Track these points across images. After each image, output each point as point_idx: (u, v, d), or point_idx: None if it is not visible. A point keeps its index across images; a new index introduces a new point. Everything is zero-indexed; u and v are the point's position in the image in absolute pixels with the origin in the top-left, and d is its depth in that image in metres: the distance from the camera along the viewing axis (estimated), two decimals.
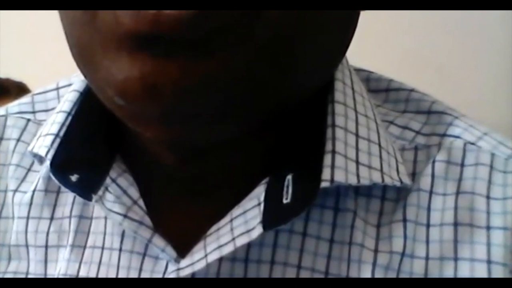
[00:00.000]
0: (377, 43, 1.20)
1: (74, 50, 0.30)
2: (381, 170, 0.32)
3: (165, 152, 0.33)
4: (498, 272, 0.30)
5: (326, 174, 0.30)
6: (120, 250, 0.34)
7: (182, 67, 0.26)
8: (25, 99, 0.41)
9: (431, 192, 0.33)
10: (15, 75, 1.43)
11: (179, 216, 0.34)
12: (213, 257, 0.31)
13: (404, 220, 0.32)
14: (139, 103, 0.27)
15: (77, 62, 0.30)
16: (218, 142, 0.31)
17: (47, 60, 1.60)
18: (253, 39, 0.27)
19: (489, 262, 0.31)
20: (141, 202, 0.34)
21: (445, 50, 1.34)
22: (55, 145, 0.34)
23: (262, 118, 0.30)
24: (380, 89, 0.37)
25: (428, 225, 0.32)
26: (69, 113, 0.35)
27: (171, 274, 0.32)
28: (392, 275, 0.31)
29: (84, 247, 0.34)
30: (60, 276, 0.34)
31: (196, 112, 0.28)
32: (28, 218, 0.36)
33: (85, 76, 0.31)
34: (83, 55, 0.29)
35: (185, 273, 0.31)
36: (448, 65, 1.34)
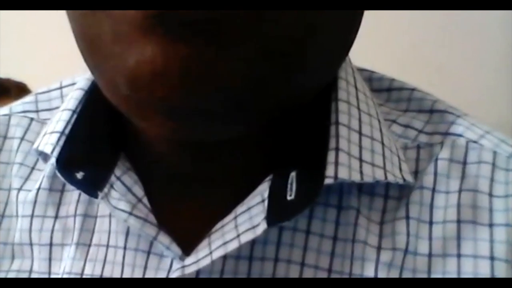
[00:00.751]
0: (377, 43, 1.21)
1: (83, 42, 0.30)
2: (384, 168, 0.32)
3: (167, 150, 0.33)
4: (501, 269, 0.30)
5: (329, 171, 0.30)
6: (125, 248, 0.34)
7: (191, 51, 0.26)
8: (29, 98, 0.41)
9: (433, 190, 0.33)
10: (15, 75, 1.44)
11: (181, 215, 0.34)
12: (218, 254, 0.31)
13: (407, 218, 0.32)
14: (147, 90, 0.27)
15: (84, 55, 0.30)
16: (220, 140, 0.31)
17: (47, 60, 1.60)
18: (254, 39, 0.27)
19: (492, 258, 0.31)
20: (145, 200, 0.34)
21: (445, 50, 1.35)
22: (61, 142, 0.34)
23: (263, 118, 0.30)
24: (382, 88, 0.38)
25: (431, 223, 0.32)
26: (74, 111, 0.35)
27: (176, 272, 0.32)
28: (395, 272, 0.31)
29: (89, 245, 0.35)
30: (65, 274, 0.34)
31: (200, 107, 0.28)
32: (32, 216, 0.36)
33: (92, 69, 0.31)
34: (93, 45, 0.29)
35: (190, 270, 0.31)
36: (448, 65, 1.34)
